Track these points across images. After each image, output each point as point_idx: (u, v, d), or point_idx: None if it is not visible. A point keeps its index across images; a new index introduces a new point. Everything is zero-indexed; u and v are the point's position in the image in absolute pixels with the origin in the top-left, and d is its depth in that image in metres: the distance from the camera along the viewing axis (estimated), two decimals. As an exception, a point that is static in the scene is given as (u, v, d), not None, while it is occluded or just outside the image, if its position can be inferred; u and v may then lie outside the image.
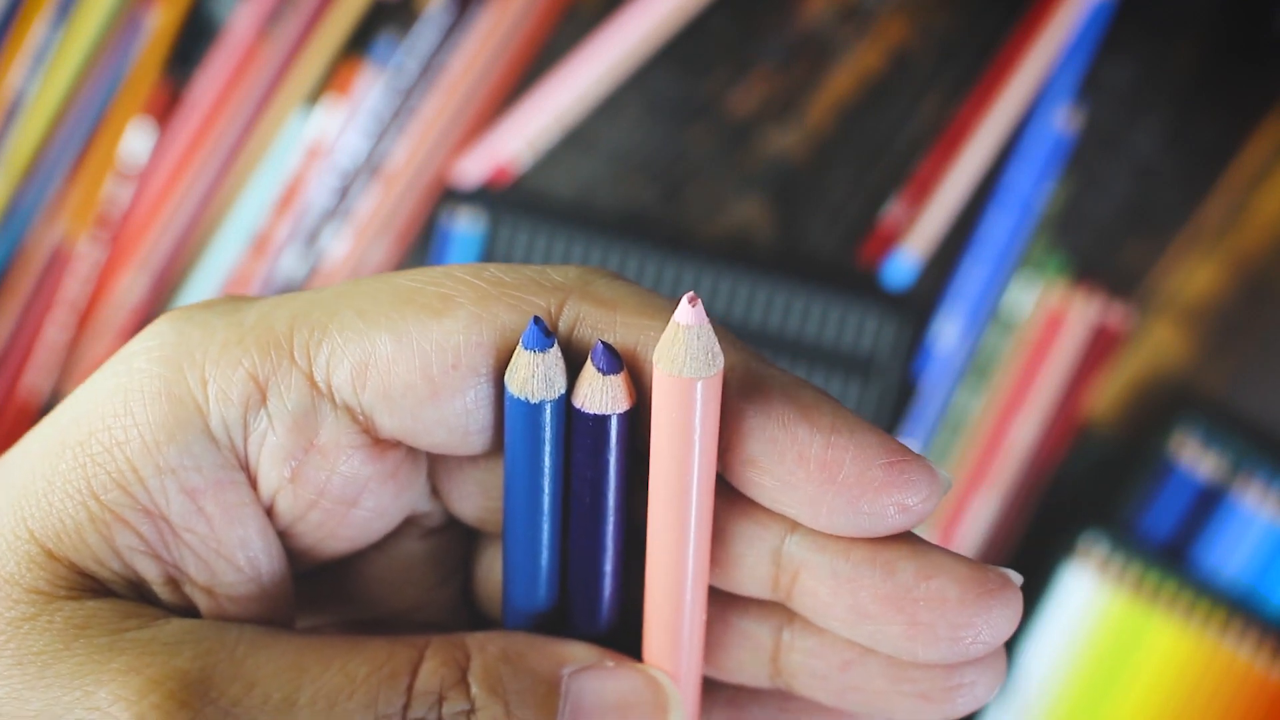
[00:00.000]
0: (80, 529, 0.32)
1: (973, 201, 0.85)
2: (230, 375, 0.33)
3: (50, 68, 0.83)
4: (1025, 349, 0.85)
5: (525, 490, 0.33)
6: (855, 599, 0.33)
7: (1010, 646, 0.84)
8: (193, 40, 0.85)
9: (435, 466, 0.36)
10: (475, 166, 0.85)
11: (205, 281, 0.85)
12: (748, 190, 0.85)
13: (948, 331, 0.85)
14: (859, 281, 0.85)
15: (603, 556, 0.34)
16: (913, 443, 0.84)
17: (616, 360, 0.32)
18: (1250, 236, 0.85)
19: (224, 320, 0.33)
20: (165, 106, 0.85)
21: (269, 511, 0.34)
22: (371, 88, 0.85)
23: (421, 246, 0.85)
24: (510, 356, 0.32)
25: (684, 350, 0.31)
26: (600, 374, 0.32)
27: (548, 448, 0.33)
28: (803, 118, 0.86)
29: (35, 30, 0.83)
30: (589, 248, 0.84)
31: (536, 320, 0.32)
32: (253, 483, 0.33)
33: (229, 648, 0.32)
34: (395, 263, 0.85)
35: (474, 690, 0.33)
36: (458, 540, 0.38)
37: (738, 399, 0.32)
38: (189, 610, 0.34)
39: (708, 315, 0.31)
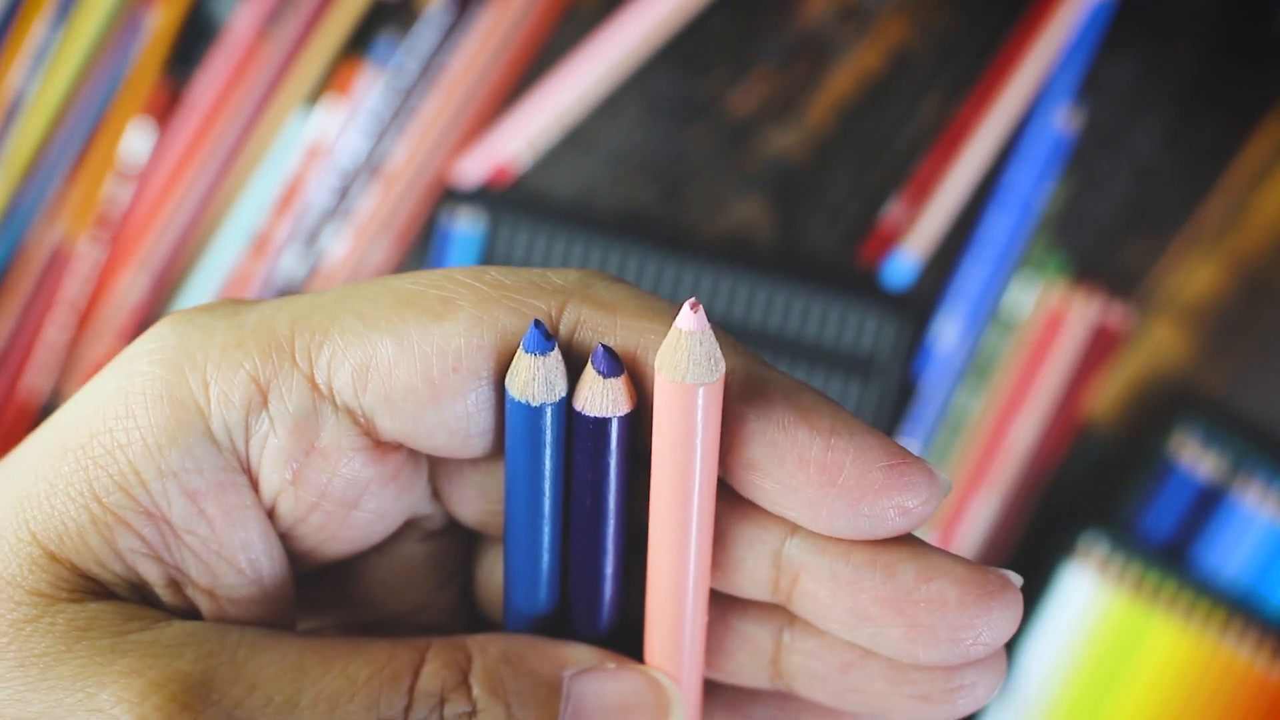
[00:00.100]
0: (82, 531, 0.32)
1: (973, 201, 0.85)
2: (232, 378, 0.33)
3: (50, 68, 0.83)
4: (1025, 349, 0.86)
5: (526, 493, 0.33)
6: (855, 601, 0.33)
7: (1010, 647, 0.84)
8: (193, 40, 0.85)
9: (436, 469, 0.36)
10: (475, 166, 0.85)
11: (205, 282, 0.85)
12: (748, 190, 0.85)
13: (948, 331, 0.85)
14: (859, 281, 0.85)
15: (603, 559, 0.34)
16: (913, 443, 0.84)
17: (617, 363, 0.32)
18: (1250, 236, 0.85)
19: (225, 323, 0.34)
20: (165, 106, 0.85)
21: (270, 514, 0.34)
22: (371, 88, 0.85)
23: (421, 247, 0.85)
24: (511, 360, 0.32)
25: (686, 357, 0.31)
26: (601, 377, 0.32)
27: (548, 450, 0.33)
28: (803, 118, 0.86)
29: (35, 30, 0.83)
30: (589, 248, 0.84)
31: (537, 323, 0.32)
32: (254, 485, 0.33)
33: (230, 650, 0.32)
34: (395, 263, 0.85)
35: (475, 692, 0.33)
36: (458, 543, 0.38)
37: (738, 402, 0.32)
38: (190, 612, 0.34)
39: (716, 326, 0.31)
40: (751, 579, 0.34)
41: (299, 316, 0.33)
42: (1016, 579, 0.33)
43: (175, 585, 0.33)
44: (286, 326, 0.33)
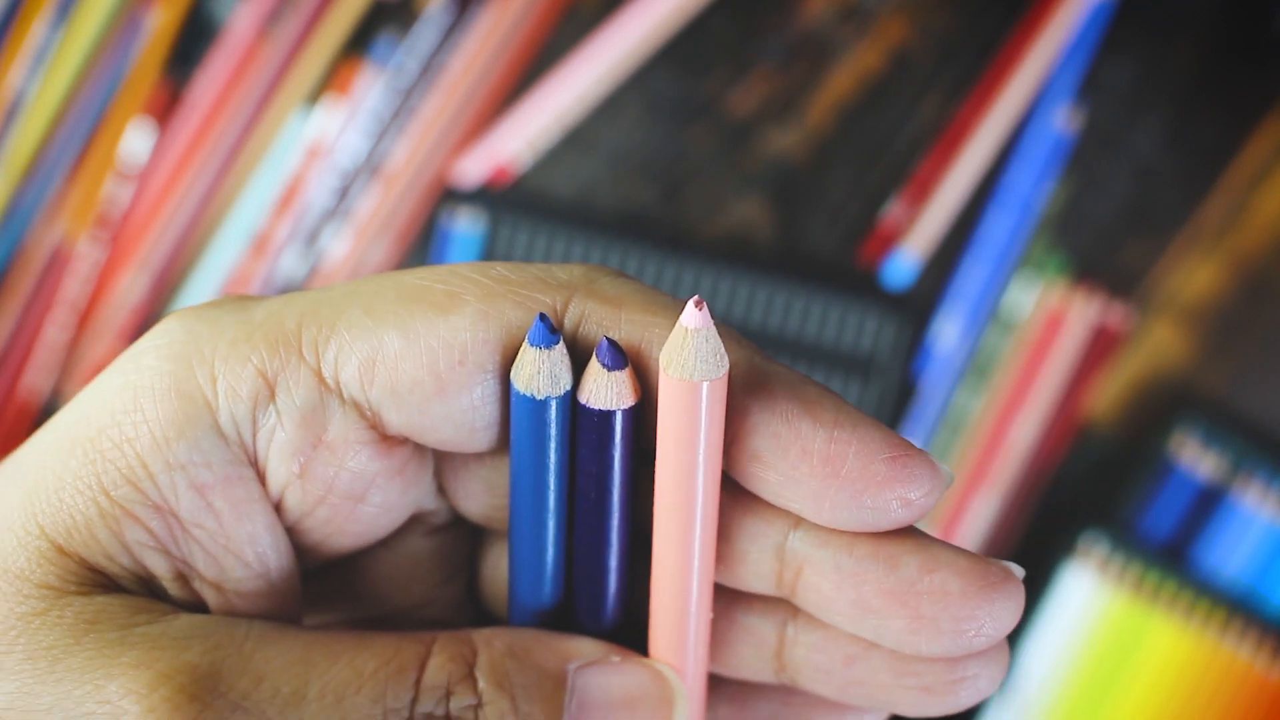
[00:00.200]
0: (90, 525, 0.32)
1: (973, 201, 0.86)
2: (239, 372, 0.33)
3: (50, 68, 0.83)
4: (1025, 349, 0.86)
5: (531, 486, 0.34)
6: (859, 594, 0.33)
7: (1011, 645, 0.84)
8: (193, 40, 0.85)
9: (442, 464, 0.36)
10: (475, 166, 0.85)
11: (205, 281, 0.85)
12: (748, 190, 0.85)
13: (948, 331, 0.85)
14: (859, 281, 0.85)
15: (608, 552, 0.34)
16: (913, 442, 0.84)
17: (621, 356, 0.32)
18: (1250, 236, 0.85)
19: (233, 318, 0.34)
20: (165, 106, 0.85)
21: (277, 507, 0.34)
22: (371, 88, 0.85)
23: (421, 246, 0.85)
24: (516, 353, 0.33)
25: (692, 354, 0.31)
26: (605, 370, 0.32)
27: (553, 444, 0.33)
28: (803, 118, 0.86)
29: (35, 30, 0.83)
30: (589, 248, 0.84)
31: (542, 317, 0.32)
32: (261, 478, 0.34)
33: (237, 642, 0.32)
34: (395, 263, 0.85)
35: (481, 685, 0.33)
36: (464, 538, 0.38)
37: (741, 395, 0.32)
38: (198, 606, 0.34)
39: (718, 320, 0.31)
40: (755, 572, 0.34)
41: (306, 311, 0.33)
42: (1019, 570, 0.33)
43: (183, 579, 0.34)
44: (294, 321, 0.33)
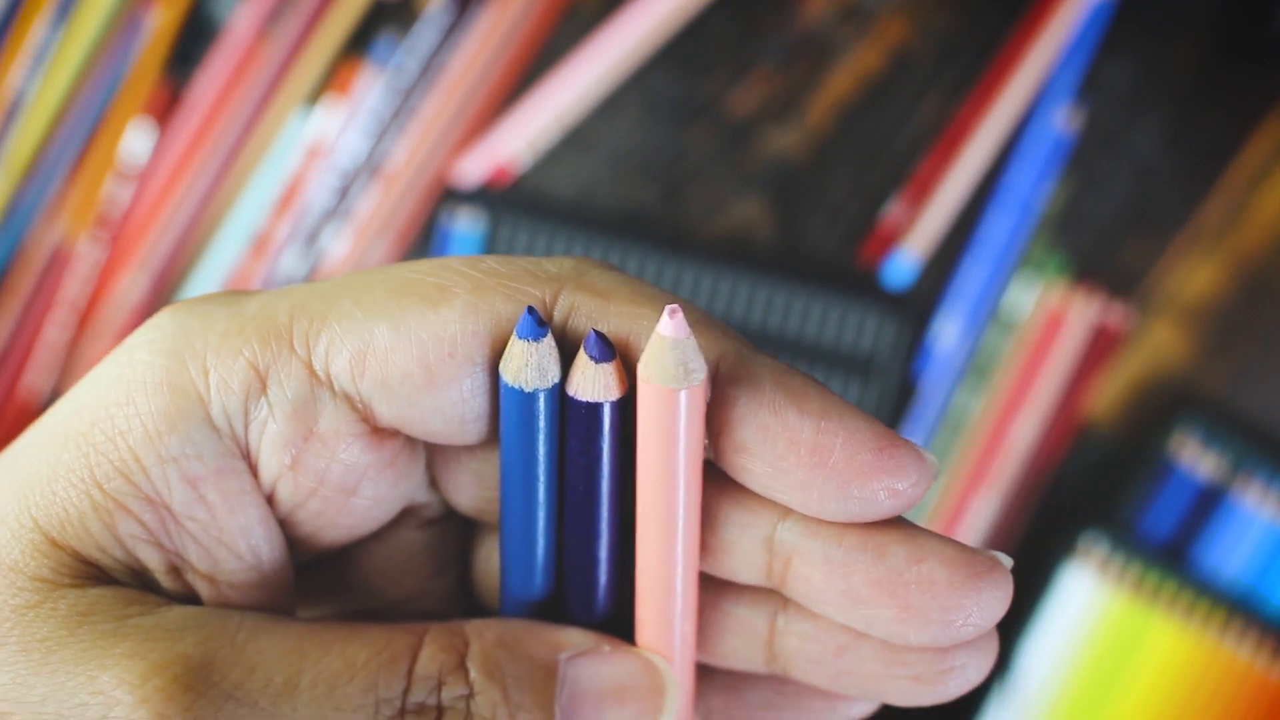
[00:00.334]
0: (83, 517, 0.33)
1: (973, 201, 0.86)
2: (231, 364, 0.33)
3: (50, 68, 0.84)
4: (1025, 349, 0.86)
5: (520, 478, 0.34)
6: (848, 584, 0.33)
7: (1010, 646, 0.84)
8: (193, 40, 0.85)
9: (433, 457, 0.36)
10: (475, 166, 0.85)
11: (205, 282, 0.85)
12: (748, 190, 0.85)
13: (948, 331, 0.85)
14: (859, 281, 0.85)
15: (597, 543, 0.34)
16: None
17: (609, 349, 0.32)
18: (1250, 236, 0.85)
19: (225, 311, 0.34)
20: (165, 106, 0.85)
21: (270, 499, 0.34)
22: (371, 88, 0.85)
23: (421, 246, 0.86)
24: (506, 346, 0.33)
25: (668, 362, 0.31)
26: (593, 362, 0.32)
27: (542, 436, 0.33)
28: (803, 118, 0.86)
29: (35, 30, 0.83)
30: (589, 248, 0.84)
31: (530, 310, 0.32)
32: (253, 471, 0.34)
33: (230, 633, 0.32)
34: (395, 262, 0.85)
35: (473, 675, 0.33)
36: (455, 531, 0.39)
37: (728, 386, 0.32)
38: (191, 598, 0.34)
39: (704, 313, 0.32)
40: (745, 563, 0.34)
41: (298, 304, 0.33)
42: (1006, 560, 0.33)
43: (175, 571, 0.34)
44: (285, 314, 0.33)
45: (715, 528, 0.34)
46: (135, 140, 0.85)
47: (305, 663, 0.32)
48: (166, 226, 0.85)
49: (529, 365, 0.32)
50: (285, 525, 0.35)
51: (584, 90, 0.85)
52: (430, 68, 0.85)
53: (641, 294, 0.33)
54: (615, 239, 0.84)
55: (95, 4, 0.84)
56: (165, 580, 0.34)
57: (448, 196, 0.85)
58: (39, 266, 0.84)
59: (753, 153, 0.86)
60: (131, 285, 0.84)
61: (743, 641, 0.36)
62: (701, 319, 0.33)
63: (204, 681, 0.31)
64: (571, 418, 0.33)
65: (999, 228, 0.85)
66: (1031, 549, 0.85)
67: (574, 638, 0.34)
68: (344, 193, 0.85)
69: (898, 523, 0.33)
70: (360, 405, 0.33)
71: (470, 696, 0.33)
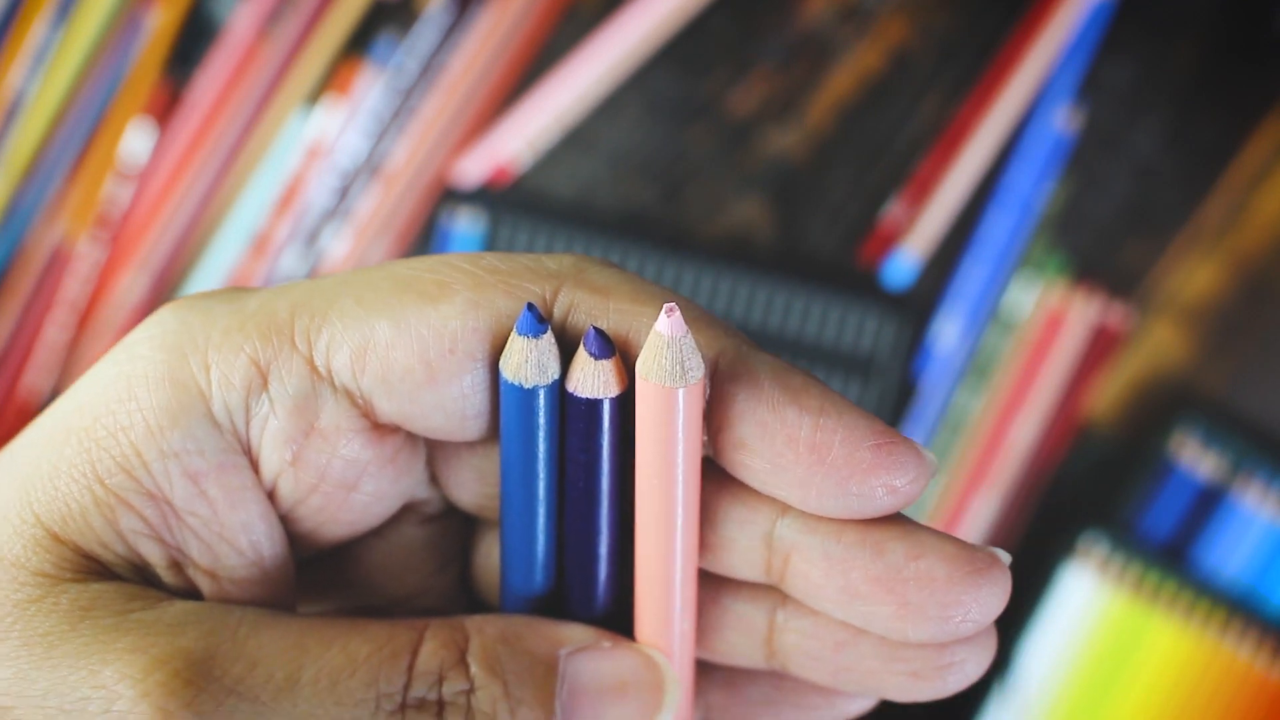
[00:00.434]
0: (85, 513, 0.33)
1: (973, 201, 0.86)
2: (232, 360, 0.33)
3: (50, 68, 0.84)
4: (1025, 349, 0.86)
5: (520, 475, 0.34)
6: (847, 580, 0.33)
7: (1010, 646, 0.84)
8: (193, 40, 0.85)
9: (434, 454, 0.36)
10: (475, 166, 0.85)
11: (205, 282, 0.85)
12: (748, 190, 0.86)
13: (948, 331, 0.85)
14: (859, 281, 0.85)
15: (597, 539, 0.35)
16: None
17: (609, 345, 0.32)
18: (1250, 236, 0.85)
19: (226, 307, 0.34)
20: (165, 106, 0.85)
21: (271, 495, 0.34)
22: (371, 88, 0.85)
23: (421, 246, 0.86)
24: (506, 342, 0.33)
25: (665, 360, 0.31)
26: (593, 359, 0.32)
27: (542, 432, 0.33)
28: (803, 118, 0.86)
29: (35, 30, 0.83)
30: (589, 248, 0.84)
31: (530, 306, 0.32)
32: (254, 466, 0.34)
33: (232, 628, 0.32)
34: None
35: (473, 670, 0.33)
36: (456, 527, 0.39)
37: (727, 383, 0.33)
38: (192, 593, 0.34)
39: (703, 311, 0.32)
40: (744, 560, 0.34)
41: (299, 301, 0.34)
42: (1005, 556, 0.33)
43: (177, 566, 0.34)
44: (286, 310, 0.33)
45: (714, 524, 0.34)
46: (135, 140, 0.85)
47: (306, 658, 0.32)
48: (166, 226, 0.85)
49: (529, 362, 0.32)
50: (286, 521, 0.35)
51: (584, 90, 0.85)
52: (430, 68, 0.85)
53: (641, 291, 0.33)
54: (615, 239, 0.84)
55: (95, 4, 0.84)
56: (167, 575, 0.34)
57: (448, 196, 0.85)
58: (39, 266, 0.84)
59: (753, 153, 0.86)
60: (131, 285, 0.84)
61: (742, 637, 0.36)
62: (700, 316, 0.33)
63: (205, 676, 0.31)
64: (571, 414, 0.33)
65: (999, 228, 0.85)
66: (1031, 549, 0.85)
67: (574, 633, 0.34)
68: (344, 193, 0.85)
69: (896, 519, 0.33)
70: (361, 401, 0.33)
71: (471, 691, 0.33)
